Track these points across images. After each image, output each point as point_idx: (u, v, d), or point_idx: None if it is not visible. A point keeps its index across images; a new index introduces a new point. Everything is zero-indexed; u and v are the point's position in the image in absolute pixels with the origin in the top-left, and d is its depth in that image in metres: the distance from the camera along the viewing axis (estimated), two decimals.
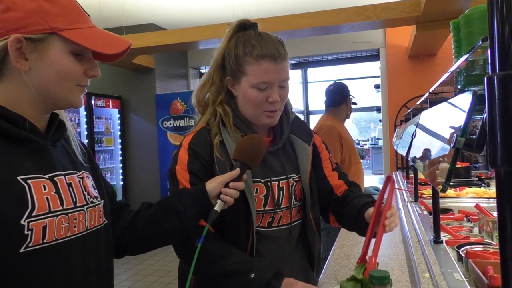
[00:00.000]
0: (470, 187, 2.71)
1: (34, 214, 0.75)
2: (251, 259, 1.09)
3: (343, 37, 6.18)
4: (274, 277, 1.01)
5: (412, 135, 1.72)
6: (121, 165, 6.45)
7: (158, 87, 6.41)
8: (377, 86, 6.71)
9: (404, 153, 2.42)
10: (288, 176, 1.18)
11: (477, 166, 3.86)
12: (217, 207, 0.96)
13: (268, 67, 1.08)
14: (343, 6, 4.56)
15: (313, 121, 7.12)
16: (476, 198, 2.42)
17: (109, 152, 6.35)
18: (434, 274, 1.21)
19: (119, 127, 6.44)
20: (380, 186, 1.47)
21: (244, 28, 1.16)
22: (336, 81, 3.23)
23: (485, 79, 0.44)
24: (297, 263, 1.22)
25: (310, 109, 7.66)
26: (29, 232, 0.74)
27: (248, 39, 1.11)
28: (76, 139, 0.95)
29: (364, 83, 8.00)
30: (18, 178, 0.76)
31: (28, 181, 0.77)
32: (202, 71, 7.34)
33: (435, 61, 5.77)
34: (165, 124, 6.21)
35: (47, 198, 0.78)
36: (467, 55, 0.84)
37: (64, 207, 0.81)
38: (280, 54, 1.10)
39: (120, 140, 6.44)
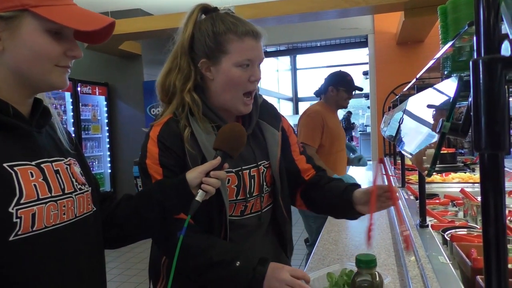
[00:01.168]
0: (456, 173, 2.76)
1: (22, 201, 0.74)
2: (236, 247, 1.09)
3: (331, 23, 6.15)
4: (259, 263, 1.01)
5: (399, 121, 1.74)
6: (108, 153, 6.39)
7: (145, 73, 6.32)
8: (365, 73, 6.74)
9: (391, 140, 2.44)
10: (259, 163, 1.16)
11: (462, 152, 3.92)
12: (198, 197, 0.94)
13: (251, 44, 1.07)
14: None
15: (302, 108, 7.12)
16: (461, 183, 2.47)
17: (96, 140, 6.28)
18: (420, 258, 1.23)
19: (106, 115, 6.35)
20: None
21: (208, 11, 1.13)
22: (337, 70, 3.19)
23: (471, 63, 0.45)
24: (268, 247, 1.21)
25: (299, 95, 7.66)
26: (18, 220, 0.73)
27: (225, 17, 1.09)
28: (61, 126, 0.93)
29: (353, 69, 8.02)
30: (4, 165, 0.74)
31: (15, 168, 0.75)
32: None
33: (423, 48, 5.79)
34: (153, 111, 6.15)
35: (34, 185, 0.77)
36: (453, 40, 0.85)
37: (53, 194, 0.80)
38: (258, 31, 1.09)
39: (107, 128, 6.37)
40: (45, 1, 0.76)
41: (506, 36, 0.44)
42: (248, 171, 1.14)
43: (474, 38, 0.45)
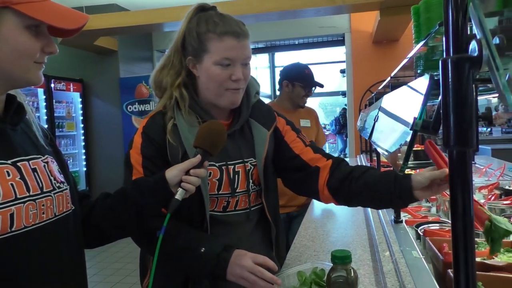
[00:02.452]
0: None
1: (1, 201, 0.72)
2: (202, 234, 1.09)
3: (309, 21, 6.20)
4: (224, 250, 1.02)
5: (375, 118, 1.77)
6: (84, 151, 6.26)
7: (122, 70, 6.22)
8: (342, 71, 6.81)
9: (367, 137, 2.48)
10: (245, 160, 1.17)
11: None
12: (178, 196, 0.93)
13: (231, 44, 1.09)
14: None
15: None
16: None
17: (71, 138, 6.14)
18: (394, 252, 1.26)
19: (81, 112, 6.22)
20: None
21: (204, 10, 1.15)
22: (293, 63, 2.72)
23: (440, 62, 0.46)
24: (257, 247, 1.19)
25: (278, 93, 7.71)
26: None
27: (211, 17, 1.11)
28: (36, 122, 0.91)
29: (331, 68, 8.09)
30: None
31: None
32: None
33: (398, 47, 5.91)
34: (130, 108, 6.06)
35: (11, 184, 0.75)
36: (425, 39, 0.87)
37: (31, 193, 0.78)
38: (242, 31, 1.11)
39: (82, 125, 6.24)
40: None
41: (473, 36, 0.46)
42: (233, 166, 1.15)
43: (443, 38, 0.46)
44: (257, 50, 7.51)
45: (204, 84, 1.13)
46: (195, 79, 1.15)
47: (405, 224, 1.57)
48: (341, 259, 0.88)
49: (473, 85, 0.46)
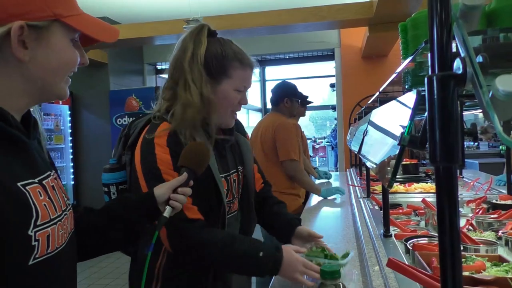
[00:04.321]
0: (418, 183, 2.85)
1: (38, 223, 0.69)
2: (254, 239, 1.22)
3: (300, 36, 6.28)
4: (277, 251, 1.15)
5: (364, 133, 1.78)
6: (72, 164, 6.20)
7: (112, 83, 6.21)
8: (332, 85, 6.88)
9: (356, 151, 2.50)
10: (238, 168, 1.33)
11: (424, 162, 4.05)
12: (166, 214, 0.95)
13: (250, 74, 1.25)
14: (300, 6, 4.64)
15: None
16: (423, 193, 2.55)
17: (59, 151, 6.08)
18: (383, 267, 1.26)
19: (70, 124, 6.18)
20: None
21: (211, 35, 1.23)
22: (281, 81, 3.17)
23: (426, 79, 0.47)
24: None
25: (268, 107, 7.74)
26: (36, 243, 0.69)
27: (232, 45, 1.22)
28: (44, 135, 0.87)
29: (321, 82, 8.17)
30: (18, 184, 0.68)
31: (27, 188, 0.69)
32: (158, 67, 7.19)
33: (387, 62, 6.01)
34: (119, 121, 6.03)
35: (45, 204, 0.72)
36: (411, 56, 0.88)
37: (57, 214, 0.75)
38: (255, 64, 1.26)
39: (71, 138, 6.18)
40: (71, 10, 0.76)
41: (458, 54, 0.47)
42: (231, 176, 1.29)
43: (429, 55, 0.47)
44: None
45: (216, 105, 1.19)
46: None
47: (394, 238, 1.57)
48: (330, 274, 0.89)
49: (458, 102, 0.47)
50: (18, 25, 0.68)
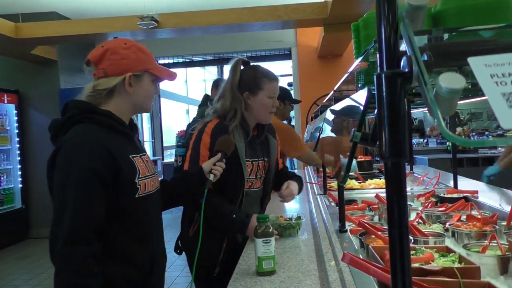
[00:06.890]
0: (372, 179, 2.94)
1: (140, 176, 1.30)
2: (233, 206, 1.73)
3: (257, 35, 6.30)
4: (246, 216, 1.69)
5: (319, 131, 1.82)
6: (19, 166, 5.88)
7: (62, 81, 5.95)
8: (290, 84, 6.97)
9: (312, 149, 2.54)
10: (264, 158, 1.88)
11: (378, 159, 4.20)
12: (211, 178, 1.53)
13: (276, 85, 1.80)
14: (256, 5, 4.65)
15: None
16: (376, 188, 2.64)
17: (5, 152, 5.75)
18: (339, 262, 1.29)
19: (17, 124, 5.86)
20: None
21: (244, 62, 1.81)
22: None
23: (375, 77, 0.48)
24: (256, 208, 1.93)
25: None
26: (139, 187, 1.29)
27: (261, 68, 1.80)
28: (139, 132, 1.41)
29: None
30: (130, 156, 1.30)
31: (133, 158, 1.31)
32: None
33: (341, 61, 6.16)
34: None
35: (143, 168, 1.33)
36: (362, 55, 0.91)
37: (149, 174, 1.36)
38: (278, 78, 1.81)
39: (18, 139, 5.87)
40: (153, 65, 1.35)
41: (404, 53, 0.48)
42: (257, 162, 1.84)
43: (377, 54, 0.48)
44: (205, 62, 7.52)
45: (256, 110, 1.77)
46: (247, 106, 1.77)
47: (349, 233, 1.61)
48: (262, 218, 1.44)
49: (406, 99, 0.49)
50: (128, 75, 1.29)
